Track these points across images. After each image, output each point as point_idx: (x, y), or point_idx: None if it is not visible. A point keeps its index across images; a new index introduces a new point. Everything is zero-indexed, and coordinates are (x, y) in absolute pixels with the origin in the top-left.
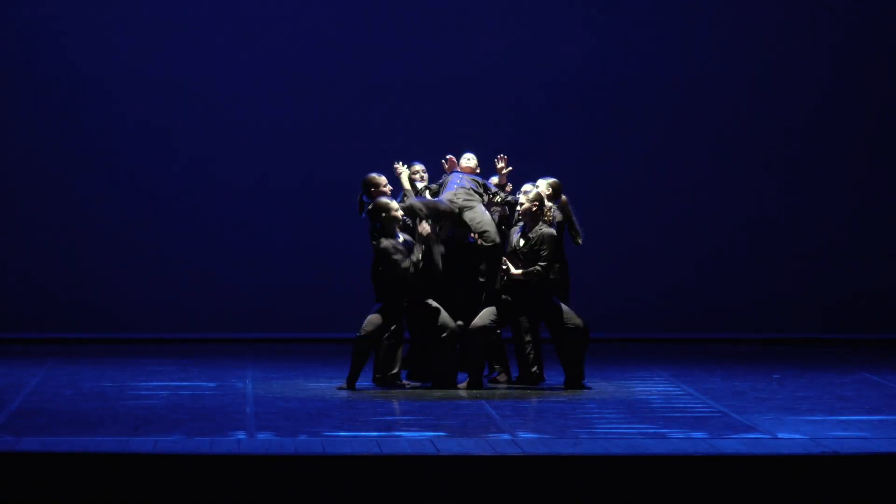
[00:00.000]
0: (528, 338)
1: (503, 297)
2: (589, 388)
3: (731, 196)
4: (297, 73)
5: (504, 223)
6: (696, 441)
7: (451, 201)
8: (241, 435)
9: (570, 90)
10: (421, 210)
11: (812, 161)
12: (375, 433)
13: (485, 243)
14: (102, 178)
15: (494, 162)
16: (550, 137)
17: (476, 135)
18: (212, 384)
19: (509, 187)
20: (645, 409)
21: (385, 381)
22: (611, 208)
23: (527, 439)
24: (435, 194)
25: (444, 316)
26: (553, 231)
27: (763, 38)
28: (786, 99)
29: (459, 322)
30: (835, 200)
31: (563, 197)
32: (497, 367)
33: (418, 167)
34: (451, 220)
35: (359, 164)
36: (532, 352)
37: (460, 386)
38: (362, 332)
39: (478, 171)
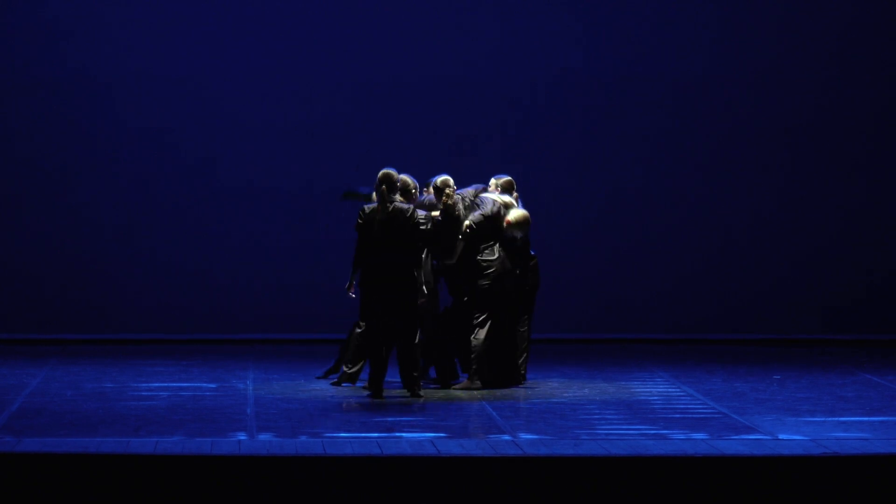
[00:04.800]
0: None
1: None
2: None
3: (732, 197)
4: (297, 75)
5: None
6: (696, 442)
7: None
8: (242, 436)
9: (569, 90)
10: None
11: (812, 161)
12: (376, 434)
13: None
14: (103, 179)
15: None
16: (550, 137)
17: (476, 135)
18: (213, 385)
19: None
20: (646, 410)
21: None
22: (611, 209)
23: (528, 440)
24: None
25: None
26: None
27: (763, 38)
28: (786, 99)
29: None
30: (835, 201)
31: (515, 194)
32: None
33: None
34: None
35: (359, 165)
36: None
37: (457, 386)
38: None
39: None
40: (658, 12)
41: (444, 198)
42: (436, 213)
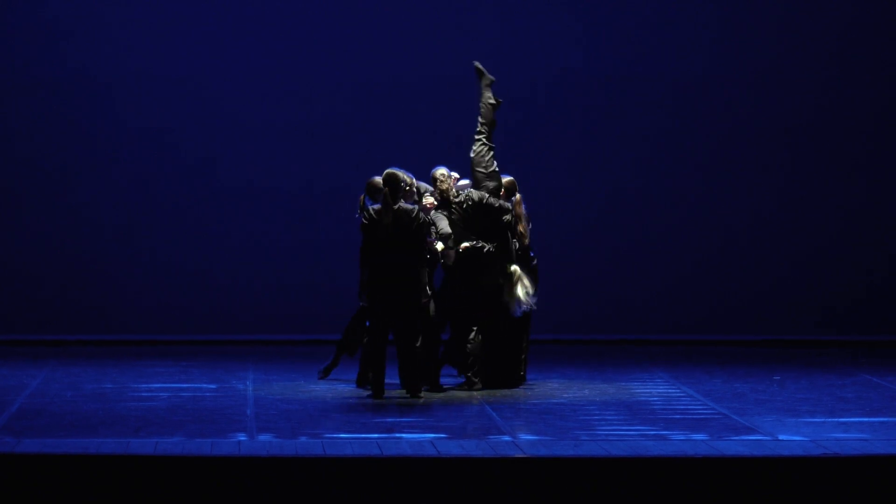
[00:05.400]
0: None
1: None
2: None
3: (732, 197)
4: (297, 75)
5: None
6: (696, 443)
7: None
8: (242, 437)
9: (569, 90)
10: None
11: (812, 161)
12: (376, 435)
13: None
14: (103, 180)
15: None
16: (550, 137)
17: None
18: (213, 386)
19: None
20: (645, 411)
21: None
22: (610, 209)
23: (528, 441)
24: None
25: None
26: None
27: (763, 38)
28: (786, 99)
29: None
30: (836, 202)
31: (518, 195)
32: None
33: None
34: None
35: (359, 165)
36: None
37: (457, 387)
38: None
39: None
40: (658, 12)
41: (438, 184)
42: (429, 200)
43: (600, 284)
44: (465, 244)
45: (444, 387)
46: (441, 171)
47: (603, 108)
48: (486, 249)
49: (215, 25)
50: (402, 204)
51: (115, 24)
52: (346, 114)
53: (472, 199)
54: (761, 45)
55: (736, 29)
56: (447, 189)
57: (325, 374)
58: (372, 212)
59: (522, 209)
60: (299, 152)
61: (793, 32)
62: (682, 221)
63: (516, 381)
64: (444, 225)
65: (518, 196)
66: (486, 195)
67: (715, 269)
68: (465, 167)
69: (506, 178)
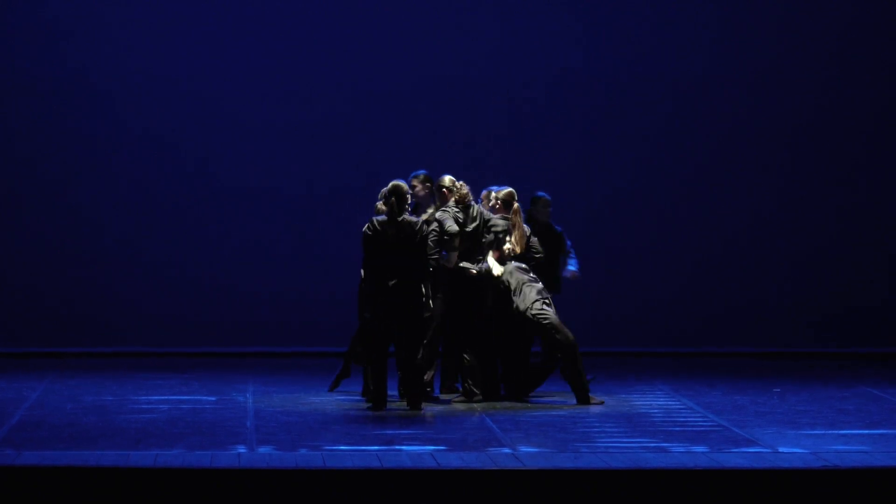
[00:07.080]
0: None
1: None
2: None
3: (732, 209)
4: (297, 75)
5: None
6: (696, 455)
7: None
8: (242, 449)
9: (569, 90)
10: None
11: (813, 162)
12: (376, 447)
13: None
14: (103, 190)
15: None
16: (550, 137)
17: (475, 136)
18: (212, 398)
19: None
20: (646, 423)
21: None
22: (610, 220)
23: (528, 453)
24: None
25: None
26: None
27: (763, 38)
28: (786, 99)
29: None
30: (836, 213)
31: (516, 205)
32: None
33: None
34: None
35: (359, 166)
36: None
37: (456, 399)
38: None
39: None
40: (658, 12)
41: (457, 188)
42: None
43: (600, 297)
44: (477, 269)
45: (441, 398)
46: (450, 178)
47: (603, 108)
48: (487, 271)
49: (215, 25)
50: (406, 216)
51: (115, 24)
52: (346, 115)
53: (484, 218)
54: (761, 45)
55: (736, 29)
56: (467, 193)
57: (334, 386)
58: (376, 223)
59: (520, 218)
60: (301, 162)
61: (793, 32)
62: (681, 225)
63: (516, 393)
64: (450, 224)
65: (517, 206)
66: (493, 220)
67: (715, 282)
68: (464, 167)
69: (504, 190)
